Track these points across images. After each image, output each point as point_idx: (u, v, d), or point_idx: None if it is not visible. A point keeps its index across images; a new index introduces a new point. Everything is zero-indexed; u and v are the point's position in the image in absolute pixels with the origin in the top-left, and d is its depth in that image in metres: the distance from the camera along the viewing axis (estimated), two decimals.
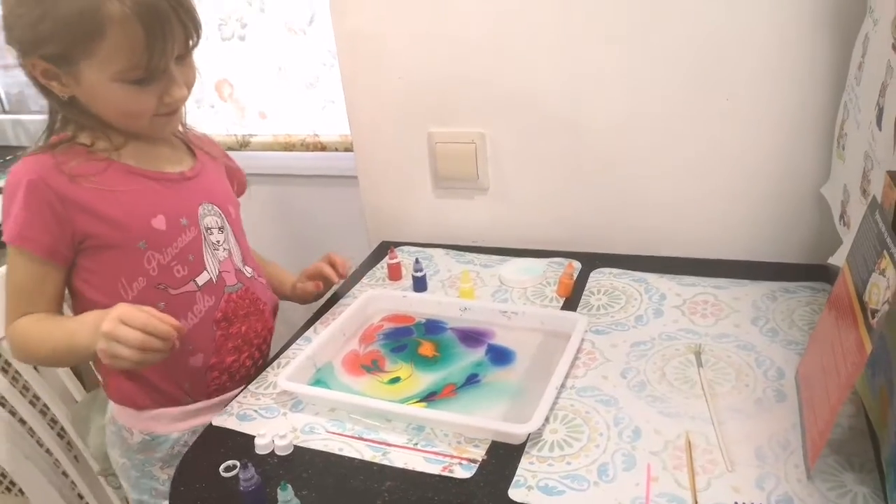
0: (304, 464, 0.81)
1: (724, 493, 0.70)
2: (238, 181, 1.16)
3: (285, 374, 0.92)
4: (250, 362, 1.04)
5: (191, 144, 1.06)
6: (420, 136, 1.30)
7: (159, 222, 0.93)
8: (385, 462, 0.80)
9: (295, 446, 0.83)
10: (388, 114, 1.31)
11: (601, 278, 1.14)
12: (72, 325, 0.89)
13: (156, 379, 0.97)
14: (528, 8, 1.14)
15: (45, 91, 0.90)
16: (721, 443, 0.77)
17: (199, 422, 0.99)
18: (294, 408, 0.90)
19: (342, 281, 1.17)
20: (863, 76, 0.88)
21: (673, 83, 1.11)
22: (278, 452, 0.83)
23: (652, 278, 1.12)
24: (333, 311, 1.12)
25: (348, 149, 1.69)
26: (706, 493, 0.71)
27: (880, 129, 0.78)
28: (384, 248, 1.32)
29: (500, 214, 1.31)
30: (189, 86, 0.93)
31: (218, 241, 1.01)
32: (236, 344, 1.02)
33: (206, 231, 0.99)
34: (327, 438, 0.84)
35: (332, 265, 1.16)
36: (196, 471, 0.83)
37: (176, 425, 1.01)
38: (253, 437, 0.84)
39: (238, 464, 0.80)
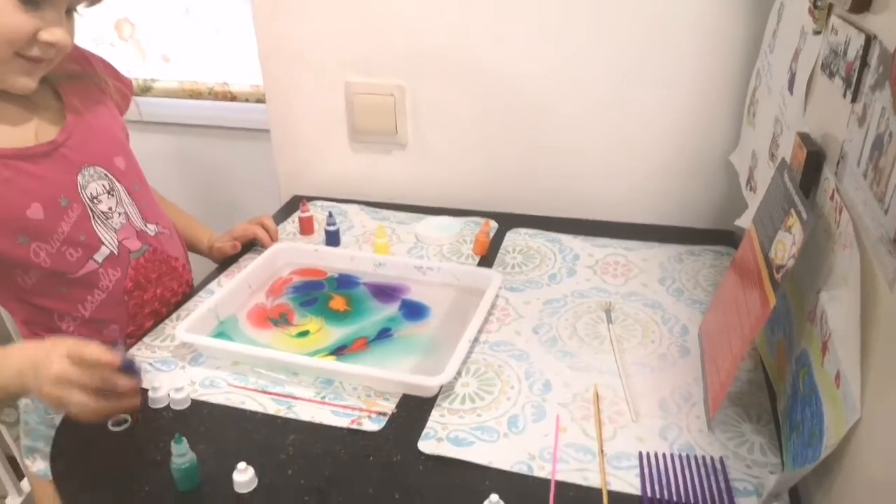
0: (202, 418, 0.76)
1: (629, 442, 0.72)
2: (122, 99, 1.02)
3: (184, 326, 0.86)
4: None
5: (59, 89, 0.90)
6: (337, 87, 1.25)
7: (35, 211, 0.82)
8: (290, 415, 0.76)
9: (193, 400, 0.79)
10: (304, 62, 1.25)
11: (517, 238, 1.14)
12: None
13: None
14: None
15: None
16: (627, 395, 0.78)
17: None
18: (193, 361, 0.85)
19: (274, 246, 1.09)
20: (776, 43, 0.91)
21: (587, 49, 1.11)
22: (174, 406, 0.78)
23: (566, 239, 1.12)
24: (239, 264, 1.07)
25: (260, 100, 1.61)
26: (612, 443, 0.71)
27: (791, 93, 0.80)
28: (296, 202, 1.27)
29: (417, 171, 1.28)
30: (66, 46, 0.81)
31: (109, 209, 0.90)
32: (153, 308, 0.96)
33: (92, 202, 0.87)
34: (229, 392, 0.80)
35: (266, 229, 1.09)
36: (81, 425, 0.76)
37: None
38: (146, 390, 0.79)
39: (128, 418, 0.75)
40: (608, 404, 0.77)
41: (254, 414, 0.77)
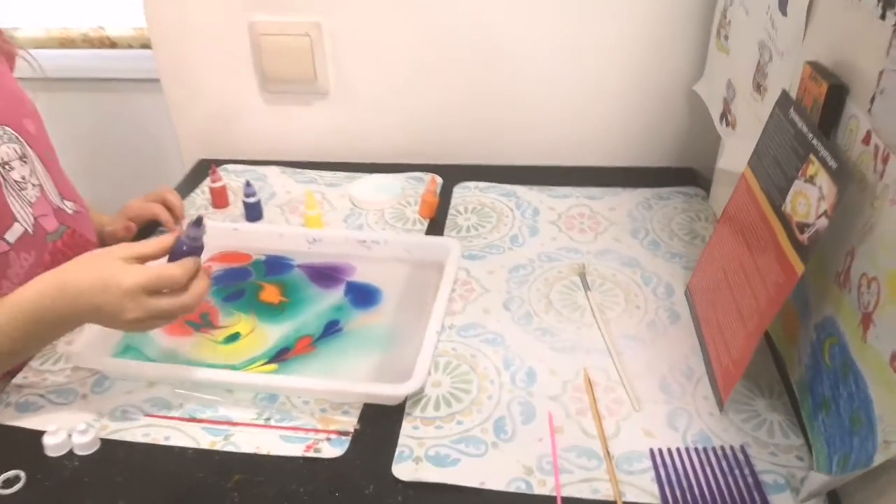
0: (117, 464, 0.61)
1: (636, 438, 0.62)
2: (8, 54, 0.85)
3: (81, 342, 0.69)
4: None
5: None
6: (239, 28, 1.05)
7: None
8: (229, 448, 0.62)
9: (103, 441, 0.63)
10: None
11: (466, 194, 1.00)
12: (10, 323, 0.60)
13: None
14: None
15: None
16: (623, 378, 0.68)
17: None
18: (98, 387, 0.69)
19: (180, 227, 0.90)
20: None
21: None
22: (79, 452, 0.62)
23: (521, 191, 1.00)
24: None
25: (146, 45, 1.38)
26: (617, 441, 0.62)
27: (785, 14, 0.68)
28: (203, 168, 1.09)
29: (344, 123, 1.11)
30: None
31: (23, 178, 0.75)
32: None
33: (3, 168, 0.72)
34: (148, 425, 0.65)
35: (169, 207, 0.91)
36: None
37: None
38: (41, 433, 0.62)
39: (21, 475, 0.59)
40: (603, 391, 0.67)
41: (183, 451, 0.62)
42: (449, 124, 1.09)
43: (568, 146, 1.08)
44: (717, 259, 0.72)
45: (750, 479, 0.57)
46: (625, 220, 0.93)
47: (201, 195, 1.02)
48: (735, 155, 0.80)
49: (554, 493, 0.57)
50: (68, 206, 0.81)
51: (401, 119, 1.09)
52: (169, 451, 0.62)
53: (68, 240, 0.80)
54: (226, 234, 0.89)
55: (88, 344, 0.69)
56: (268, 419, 0.65)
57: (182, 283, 0.60)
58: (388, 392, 0.64)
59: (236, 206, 0.99)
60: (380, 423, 0.64)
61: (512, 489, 0.58)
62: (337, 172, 1.07)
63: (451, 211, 0.96)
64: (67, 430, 0.63)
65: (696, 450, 0.60)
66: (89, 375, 0.70)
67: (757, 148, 0.68)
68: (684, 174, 1.04)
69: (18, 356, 0.65)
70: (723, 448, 0.60)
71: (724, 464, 0.59)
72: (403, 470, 0.59)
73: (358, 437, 0.63)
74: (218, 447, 0.62)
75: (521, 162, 1.08)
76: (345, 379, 0.68)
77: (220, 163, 1.08)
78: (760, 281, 0.61)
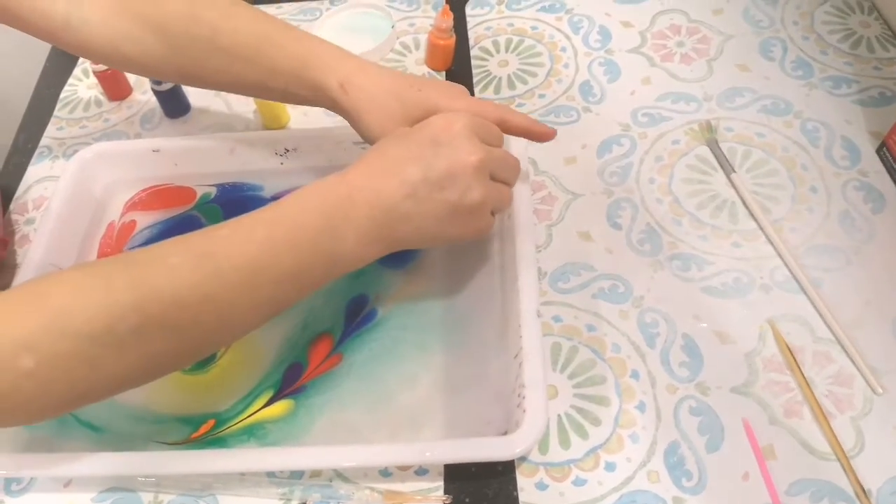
0: None
1: (893, 447, 0.39)
2: None
3: None
4: None
5: None
6: None
7: None
8: None
9: None
10: None
11: (487, 17, 0.66)
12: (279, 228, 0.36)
13: None
14: None
15: None
16: (842, 338, 0.43)
17: None
18: (15, 484, 0.43)
19: None
20: None
21: None
22: None
23: None
24: (8, 219, 0.57)
25: None
26: (865, 459, 0.39)
27: None
28: None
29: None
30: None
31: None
32: None
33: None
34: None
35: None
36: None
37: None
38: None
39: None
40: (812, 361, 0.43)
41: None
42: None
43: None
44: None
45: None
46: (744, 29, 0.61)
47: (83, 83, 0.66)
48: None
49: None
50: None
51: None
52: None
53: None
54: (142, 158, 0.56)
55: None
56: None
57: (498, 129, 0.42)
58: (492, 453, 0.38)
59: (142, 95, 0.64)
60: (481, 483, 0.41)
61: None
62: (282, 5, 0.70)
63: (475, 51, 0.63)
64: None
65: None
66: None
67: None
68: None
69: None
70: None
71: None
72: None
73: None
74: None
75: None
76: (408, 424, 0.42)
77: None
78: None
